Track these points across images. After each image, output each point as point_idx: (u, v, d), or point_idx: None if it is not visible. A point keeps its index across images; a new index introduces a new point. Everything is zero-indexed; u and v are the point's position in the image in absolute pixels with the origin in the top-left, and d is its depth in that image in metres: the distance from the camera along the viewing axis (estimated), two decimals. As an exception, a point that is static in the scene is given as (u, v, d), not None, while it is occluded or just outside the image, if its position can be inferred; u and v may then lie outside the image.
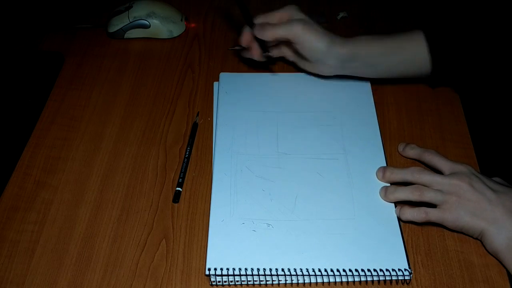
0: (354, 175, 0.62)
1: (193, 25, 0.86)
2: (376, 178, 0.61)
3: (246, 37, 0.69)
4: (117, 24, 0.81)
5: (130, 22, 0.81)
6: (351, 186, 0.61)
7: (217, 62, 0.79)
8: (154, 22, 0.81)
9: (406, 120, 0.70)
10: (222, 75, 0.74)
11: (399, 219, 0.58)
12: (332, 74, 0.69)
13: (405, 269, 0.53)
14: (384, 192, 0.59)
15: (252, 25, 0.67)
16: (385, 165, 0.63)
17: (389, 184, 0.61)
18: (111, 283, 0.54)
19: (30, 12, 0.87)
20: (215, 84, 0.75)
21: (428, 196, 0.57)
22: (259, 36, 0.65)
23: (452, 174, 0.58)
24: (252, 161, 0.63)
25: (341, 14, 0.87)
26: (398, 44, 0.67)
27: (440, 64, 0.66)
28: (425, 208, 0.57)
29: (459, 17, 0.67)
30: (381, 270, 0.53)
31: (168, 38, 0.83)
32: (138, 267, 0.56)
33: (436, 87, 0.72)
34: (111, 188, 0.63)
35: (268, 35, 0.65)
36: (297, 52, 0.68)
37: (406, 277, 0.53)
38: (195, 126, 0.69)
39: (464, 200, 0.55)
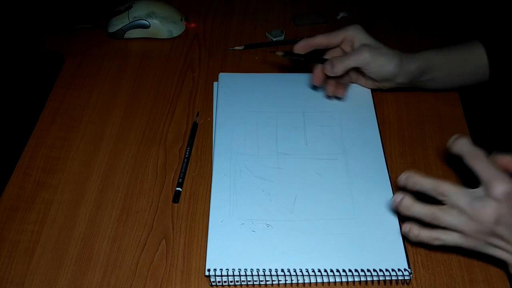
0: (353, 175, 0.62)
1: (193, 25, 0.86)
2: (376, 178, 0.61)
3: (318, 75, 0.67)
4: (117, 24, 0.81)
5: (130, 22, 0.81)
6: (351, 186, 0.61)
7: (217, 62, 0.79)
8: (154, 22, 0.81)
9: (406, 120, 0.70)
10: (222, 75, 0.74)
11: (399, 220, 0.58)
12: (396, 87, 0.69)
13: (405, 269, 0.53)
14: (399, 203, 0.52)
15: (323, 61, 0.66)
16: (384, 165, 0.62)
17: (400, 192, 0.52)
18: (111, 283, 0.54)
19: (30, 12, 0.87)
20: (215, 84, 0.75)
21: (447, 222, 0.50)
22: (331, 74, 0.65)
23: (478, 199, 0.49)
24: (252, 161, 0.63)
25: (341, 14, 0.87)
26: (461, 57, 0.68)
27: (498, 75, 0.68)
28: (440, 231, 0.50)
29: None
30: (381, 270, 0.53)
31: (168, 38, 0.83)
32: (138, 267, 0.56)
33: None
34: (111, 188, 0.63)
35: (339, 70, 0.64)
36: (365, 75, 0.68)
37: (406, 277, 0.53)
38: (195, 126, 0.69)
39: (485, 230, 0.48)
